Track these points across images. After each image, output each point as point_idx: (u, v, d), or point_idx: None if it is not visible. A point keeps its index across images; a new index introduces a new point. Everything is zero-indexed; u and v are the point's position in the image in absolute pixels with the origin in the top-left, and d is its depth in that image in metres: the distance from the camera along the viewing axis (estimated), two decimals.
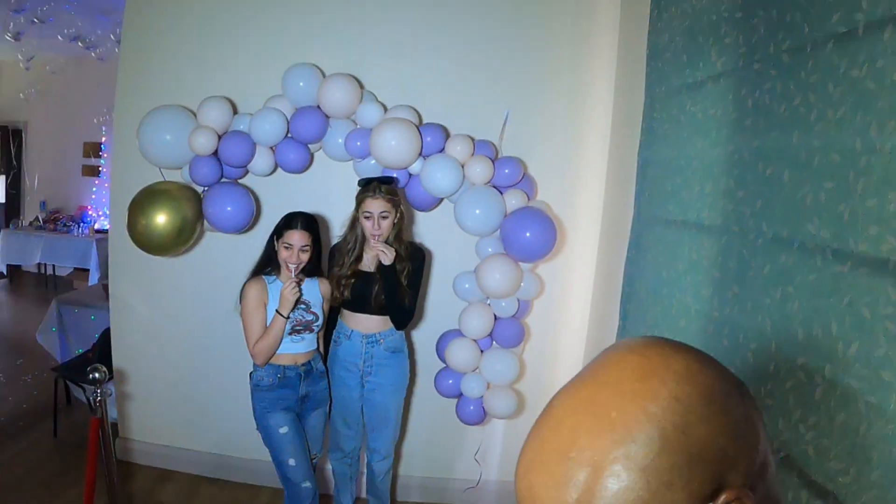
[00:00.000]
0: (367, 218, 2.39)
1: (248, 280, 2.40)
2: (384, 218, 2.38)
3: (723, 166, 1.71)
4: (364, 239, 2.46)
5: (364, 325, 2.51)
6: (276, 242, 2.37)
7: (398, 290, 2.43)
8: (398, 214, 2.44)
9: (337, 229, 2.65)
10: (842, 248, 1.19)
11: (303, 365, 2.45)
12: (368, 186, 2.41)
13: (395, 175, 2.58)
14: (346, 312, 2.55)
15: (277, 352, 2.38)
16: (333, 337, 2.60)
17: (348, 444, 2.64)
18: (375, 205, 2.37)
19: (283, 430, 2.38)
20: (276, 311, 2.32)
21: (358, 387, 2.55)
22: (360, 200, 2.41)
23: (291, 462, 2.37)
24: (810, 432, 1.23)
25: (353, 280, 2.46)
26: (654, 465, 0.47)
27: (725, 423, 0.49)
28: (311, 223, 2.38)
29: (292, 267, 2.33)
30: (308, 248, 2.35)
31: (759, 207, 1.50)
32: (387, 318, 2.51)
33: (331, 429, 2.64)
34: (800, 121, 1.35)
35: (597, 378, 0.53)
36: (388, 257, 2.37)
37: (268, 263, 2.42)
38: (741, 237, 1.57)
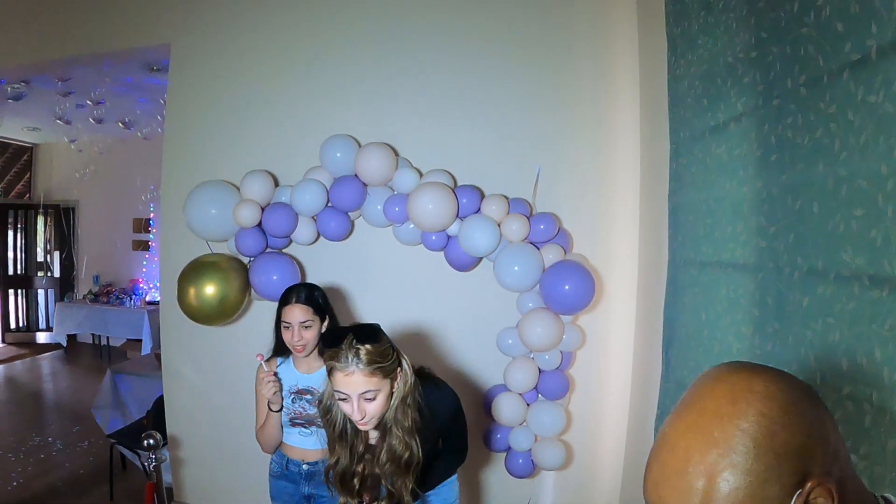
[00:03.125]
0: (342, 400, 1.52)
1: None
2: (369, 400, 1.50)
3: (752, 204, 1.70)
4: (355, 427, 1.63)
5: None
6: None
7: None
8: (395, 385, 1.57)
9: (378, 298, 2.49)
10: (878, 273, 1.17)
11: (310, 463, 2.08)
12: (338, 350, 1.48)
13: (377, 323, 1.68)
14: None
15: (285, 441, 2.11)
16: None
17: None
18: (351, 383, 1.47)
19: None
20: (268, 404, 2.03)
21: None
22: (329, 369, 1.52)
23: None
24: (863, 462, 1.19)
25: (365, 477, 1.68)
26: (753, 468, 0.61)
27: (801, 425, 0.63)
28: (310, 295, 2.04)
29: (298, 349, 2.01)
30: (311, 323, 2.00)
31: (792, 241, 1.49)
32: None
33: None
34: (824, 151, 1.35)
35: (696, 407, 0.68)
36: None
37: (281, 345, 2.11)
38: (777, 272, 1.56)
